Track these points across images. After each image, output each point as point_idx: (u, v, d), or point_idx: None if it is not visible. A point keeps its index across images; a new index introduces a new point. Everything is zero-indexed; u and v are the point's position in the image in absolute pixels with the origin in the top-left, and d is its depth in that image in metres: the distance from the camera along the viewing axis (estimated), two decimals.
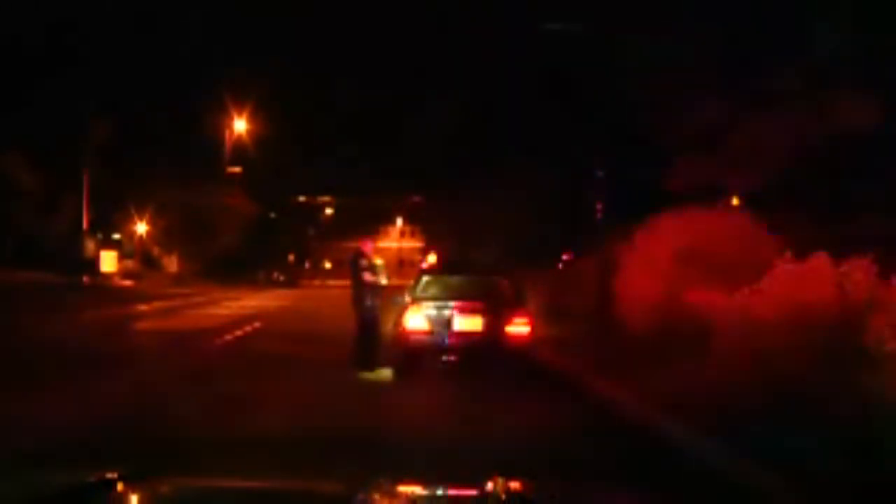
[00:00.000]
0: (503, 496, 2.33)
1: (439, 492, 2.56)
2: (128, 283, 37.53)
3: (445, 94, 27.78)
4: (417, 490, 2.57)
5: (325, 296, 33.51)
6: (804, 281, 6.49)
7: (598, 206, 14.07)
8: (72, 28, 31.96)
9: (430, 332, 9.60)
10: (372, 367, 10.03)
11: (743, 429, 6.03)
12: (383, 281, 10.70)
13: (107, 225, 39.66)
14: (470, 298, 9.91)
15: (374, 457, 5.63)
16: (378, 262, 10.89)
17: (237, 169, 47.24)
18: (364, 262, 10.51)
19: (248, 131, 41.01)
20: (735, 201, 13.94)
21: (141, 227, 41.77)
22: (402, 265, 55.49)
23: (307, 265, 75.76)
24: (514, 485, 2.41)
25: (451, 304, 9.73)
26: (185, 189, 40.39)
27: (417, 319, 9.67)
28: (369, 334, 10.40)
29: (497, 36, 23.32)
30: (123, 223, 41.52)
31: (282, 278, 55.38)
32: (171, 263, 45.04)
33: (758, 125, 11.94)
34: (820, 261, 6.47)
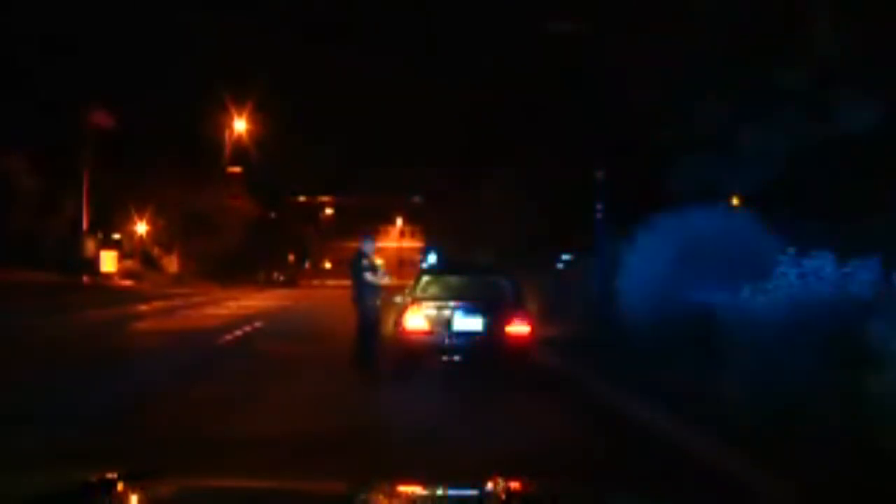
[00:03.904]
0: (503, 496, 2.33)
1: (439, 492, 2.56)
2: (128, 283, 37.53)
3: (446, 95, 27.79)
4: (417, 490, 2.57)
5: (325, 296, 33.52)
6: (806, 280, 6.49)
7: (598, 206, 14.05)
8: (71, 28, 31.98)
9: (430, 332, 9.59)
10: (371, 366, 10.03)
11: (743, 428, 6.03)
12: (384, 281, 10.71)
13: (107, 225, 39.64)
14: (470, 298, 9.90)
15: (375, 457, 5.63)
16: (378, 262, 10.89)
17: (237, 169, 47.33)
18: (365, 262, 10.52)
19: (248, 131, 41.09)
20: (735, 201, 13.92)
21: (141, 227, 41.76)
22: (402, 265, 55.46)
23: (307, 265, 75.79)
24: (514, 485, 2.41)
25: (451, 303, 9.72)
26: (185, 189, 40.39)
27: (417, 319, 9.66)
28: (369, 334, 10.42)
29: (499, 36, 23.34)
30: (123, 223, 41.50)
31: (282, 278, 55.42)
32: (171, 263, 45.04)
33: (759, 124, 11.93)
34: (822, 260, 6.47)
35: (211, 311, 23.33)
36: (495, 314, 9.64)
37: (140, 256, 42.90)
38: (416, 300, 9.93)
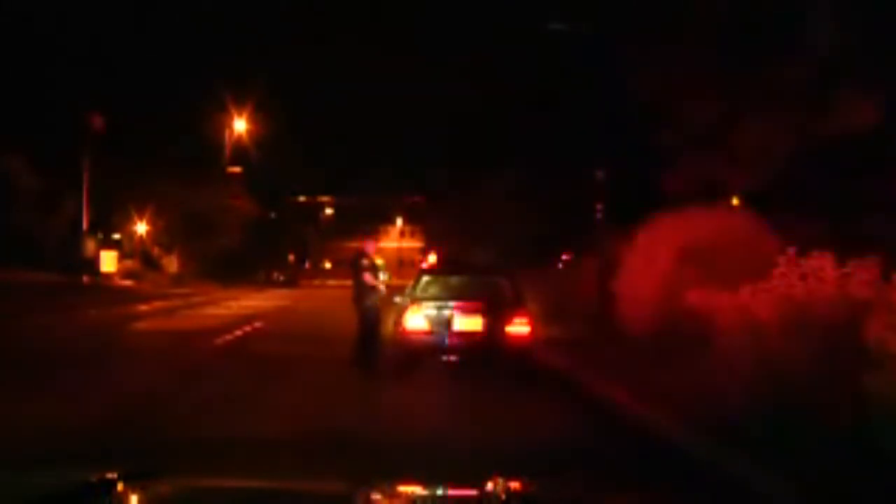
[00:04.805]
0: (503, 496, 2.33)
1: (439, 492, 2.56)
2: (128, 282, 37.53)
3: (447, 95, 27.79)
4: (417, 490, 2.57)
5: (325, 296, 33.52)
6: (806, 280, 6.49)
7: (598, 206, 14.05)
8: (72, 27, 32.01)
9: (430, 332, 9.58)
10: (371, 366, 10.03)
11: (743, 429, 6.03)
12: (383, 287, 10.69)
13: (107, 225, 39.65)
14: (470, 298, 9.89)
15: (375, 457, 5.63)
16: (379, 262, 10.89)
17: (237, 169, 47.37)
18: (365, 263, 10.52)
19: (248, 131, 41.12)
20: (735, 201, 13.93)
21: (141, 227, 41.76)
22: (402, 265, 55.51)
23: (307, 265, 75.81)
24: (514, 485, 2.41)
25: (451, 304, 9.71)
26: (185, 189, 40.39)
27: (417, 319, 9.65)
28: (370, 334, 10.42)
29: (498, 35, 23.35)
30: (123, 223, 41.51)
31: (282, 278, 55.41)
32: (171, 263, 45.04)
33: (758, 124, 11.93)
34: (822, 260, 6.46)
35: (211, 311, 23.33)
36: (495, 314, 9.63)
37: (140, 256, 42.90)
38: (416, 300, 9.92)
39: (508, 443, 6.27)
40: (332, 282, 56.11)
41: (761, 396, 6.28)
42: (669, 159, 13.30)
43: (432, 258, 26.99)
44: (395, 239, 76.61)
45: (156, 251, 44.74)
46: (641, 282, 11.12)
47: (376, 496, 2.37)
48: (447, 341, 9.53)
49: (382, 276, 10.74)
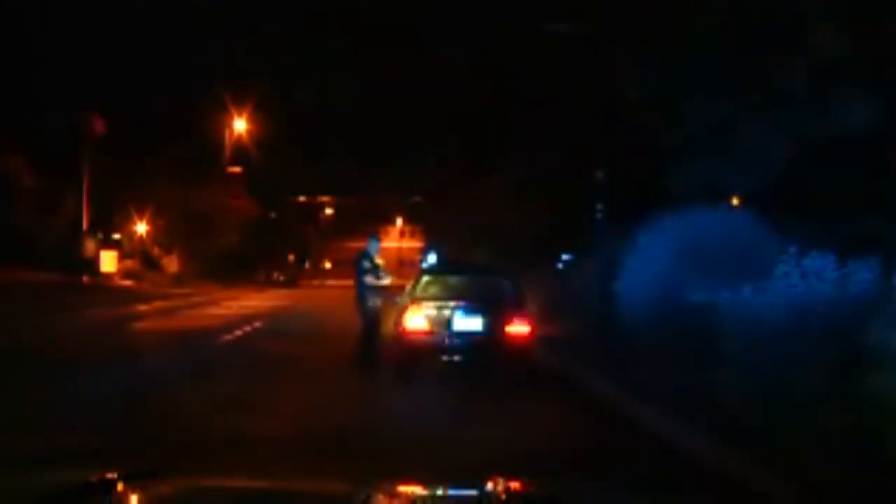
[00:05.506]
0: (503, 496, 2.33)
1: (439, 492, 2.55)
2: (128, 283, 37.52)
3: (447, 95, 27.81)
4: (417, 490, 2.57)
5: (325, 296, 33.52)
6: (807, 280, 6.49)
7: (598, 206, 14.04)
8: (72, 27, 32.01)
9: (430, 332, 9.58)
10: (372, 366, 10.04)
11: (743, 429, 6.03)
12: (385, 281, 10.70)
13: (107, 225, 39.62)
14: (470, 298, 9.89)
15: (375, 457, 5.63)
16: (379, 262, 10.90)
17: (237, 169, 47.36)
18: (367, 264, 10.52)
19: (248, 131, 41.13)
20: (735, 201, 13.91)
21: (141, 227, 41.74)
22: (402, 265, 55.53)
23: (307, 265, 75.80)
24: (514, 485, 2.41)
25: (451, 303, 9.71)
26: (185, 189, 40.38)
27: (417, 319, 9.65)
28: (371, 334, 10.43)
29: (498, 35, 23.35)
30: (123, 223, 41.49)
31: (281, 278, 55.43)
32: (171, 263, 45.02)
33: (758, 124, 11.93)
34: (823, 260, 6.47)
35: (211, 311, 23.33)
36: (495, 314, 9.63)
37: (140, 256, 42.86)
38: (416, 300, 9.92)
39: (508, 442, 6.27)
40: (331, 282, 56.12)
41: (761, 396, 6.28)
42: (669, 159, 13.29)
43: (432, 258, 26.97)
44: (395, 239, 76.58)
45: (156, 251, 44.71)
46: (641, 282, 11.11)
47: (376, 496, 2.37)
48: (447, 341, 9.53)
49: (386, 280, 10.73)
